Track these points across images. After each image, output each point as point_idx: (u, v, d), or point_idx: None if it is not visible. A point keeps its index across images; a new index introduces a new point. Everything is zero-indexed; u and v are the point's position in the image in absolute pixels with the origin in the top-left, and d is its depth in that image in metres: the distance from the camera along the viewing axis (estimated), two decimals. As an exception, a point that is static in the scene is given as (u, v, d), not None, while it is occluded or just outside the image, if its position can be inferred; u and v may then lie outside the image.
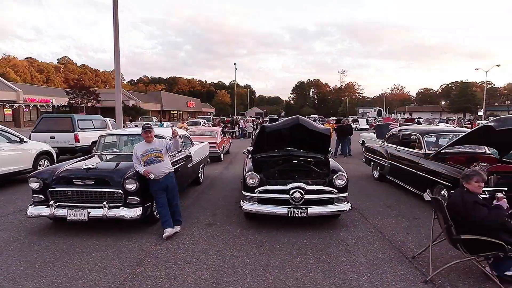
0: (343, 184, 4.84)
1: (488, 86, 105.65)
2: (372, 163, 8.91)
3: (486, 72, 42.64)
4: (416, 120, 44.66)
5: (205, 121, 27.25)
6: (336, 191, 4.84)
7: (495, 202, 3.32)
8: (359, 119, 40.87)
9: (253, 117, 57.10)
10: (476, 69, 44.47)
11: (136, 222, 4.61)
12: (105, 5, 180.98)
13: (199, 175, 7.98)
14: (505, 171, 5.43)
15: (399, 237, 4.56)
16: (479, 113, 70.53)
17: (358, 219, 5.36)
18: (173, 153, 6.08)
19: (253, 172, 4.90)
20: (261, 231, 4.77)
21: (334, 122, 19.62)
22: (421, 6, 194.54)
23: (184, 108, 71.93)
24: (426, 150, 6.59)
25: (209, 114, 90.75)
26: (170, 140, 4.88)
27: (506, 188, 4.97)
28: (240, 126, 26.11)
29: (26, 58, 80.00)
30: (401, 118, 50.94)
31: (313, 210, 4.69)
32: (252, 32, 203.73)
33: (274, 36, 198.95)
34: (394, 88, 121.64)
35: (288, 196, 4.69)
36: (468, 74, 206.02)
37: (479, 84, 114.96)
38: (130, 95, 48.62)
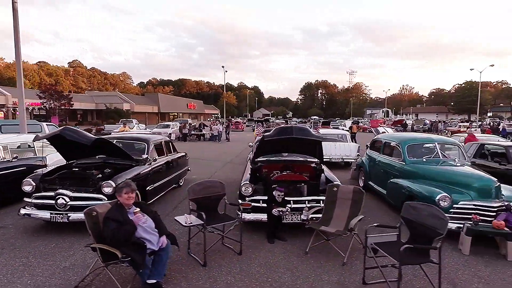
0: (109, 191, 5.06)
1: (504, 86, 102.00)
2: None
3: (481, 72, 41.26)
4: (404, 121, 43.83)
5: (178, 124, 27.71)
6: (106, 198, 5.07)
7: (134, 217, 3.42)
8: (346, 122, 40.26)
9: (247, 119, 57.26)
10: (470, 69, 43.12)
11: None
12: (119, 8, 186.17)
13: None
14: (291, 180, 5.53)
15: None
16: (489, 114, 67.90)
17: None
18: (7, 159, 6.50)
19: (29, 179, 5.22)
20: (28, 235, 5.07)
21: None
22: (437, 5, 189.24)
23: (184, 110, 72.98)
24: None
25: (214, 115, 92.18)
26: None
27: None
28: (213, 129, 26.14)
29: (38, 62, 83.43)
30: (396, 119, 49.91)
31: (75, 216, 4.95)
32: (264, 33, 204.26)
33: (285, 36, 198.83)
34: (403, 88, 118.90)
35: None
36: (483, 74, 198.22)
37: (494, 84, 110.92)
38: (125, 98, 50.03)
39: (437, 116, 75.78)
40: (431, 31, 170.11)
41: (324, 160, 6.42)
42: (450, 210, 4.93)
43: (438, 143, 6.66)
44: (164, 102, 61.92)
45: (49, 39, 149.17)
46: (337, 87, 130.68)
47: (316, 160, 6.33)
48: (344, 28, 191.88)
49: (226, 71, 44.69)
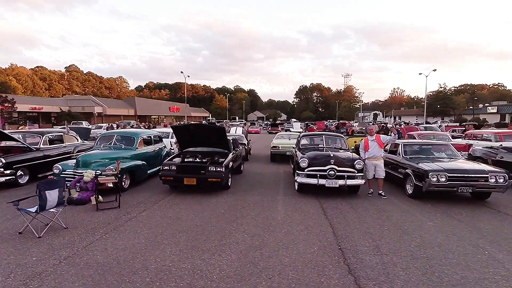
0: None
1: (501, 88, 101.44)
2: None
3: (427, 76, 42.77)
4: (348, 123, 45.75)
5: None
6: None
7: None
8: (293, 123, 42.42)
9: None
10: (419, 73, 44.70)
11: None
12: (126, 13, 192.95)
13: None
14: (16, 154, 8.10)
15: None
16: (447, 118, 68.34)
17: None
18: None
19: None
20: None
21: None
22: (445, 6, 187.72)
23: (166, 113, 76.23)
24: None
25: (205, 118, 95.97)
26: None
27: None
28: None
29: (37, 66, 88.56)
30: (341, 122, 51.95)
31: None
32: (269, 36, 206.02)
33: (291, 40, 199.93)
34: (394, 91, 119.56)
35: None
36: (488, 76, 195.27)
37: (490, 86, 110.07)
38: (97, 101, 53.50)
39: (416, 119, 76.61)
40: (438, 34, 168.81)
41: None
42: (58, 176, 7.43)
43: (118, 135, 9.11)
44: (142, 105, 65.21)
45: (56, 44, 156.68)
46: (331, 90, 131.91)
47: (25, 146, 8.90)
48: (349, 31, 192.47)
49: (188, 76, 47.57)
